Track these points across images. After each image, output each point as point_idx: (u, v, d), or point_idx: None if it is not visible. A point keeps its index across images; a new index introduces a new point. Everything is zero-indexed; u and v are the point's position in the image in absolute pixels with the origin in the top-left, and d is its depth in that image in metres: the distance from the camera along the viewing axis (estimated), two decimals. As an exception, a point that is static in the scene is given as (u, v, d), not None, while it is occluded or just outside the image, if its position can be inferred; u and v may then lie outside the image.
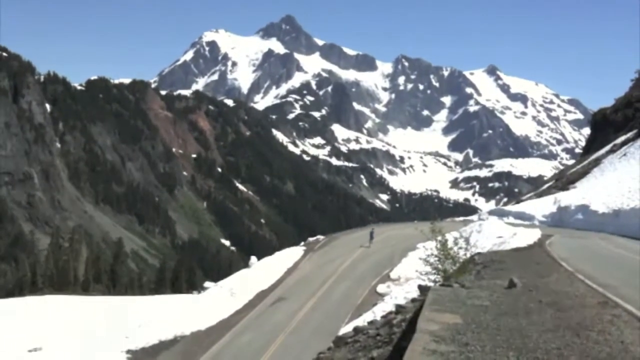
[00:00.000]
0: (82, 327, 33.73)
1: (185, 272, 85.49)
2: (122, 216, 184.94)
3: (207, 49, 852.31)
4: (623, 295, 11.26)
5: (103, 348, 28.70)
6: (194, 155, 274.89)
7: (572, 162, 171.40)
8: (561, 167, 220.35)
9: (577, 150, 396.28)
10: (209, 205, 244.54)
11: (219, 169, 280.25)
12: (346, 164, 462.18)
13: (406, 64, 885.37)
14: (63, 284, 72.86)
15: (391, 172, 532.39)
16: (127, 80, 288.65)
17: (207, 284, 44.76)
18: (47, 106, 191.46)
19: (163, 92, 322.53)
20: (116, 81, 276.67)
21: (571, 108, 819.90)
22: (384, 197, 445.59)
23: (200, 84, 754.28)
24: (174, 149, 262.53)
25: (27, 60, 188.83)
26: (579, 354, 6.61)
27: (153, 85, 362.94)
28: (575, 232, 39.02)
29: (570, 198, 55.64)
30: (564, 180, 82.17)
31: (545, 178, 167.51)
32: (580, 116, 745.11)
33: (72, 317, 37.19)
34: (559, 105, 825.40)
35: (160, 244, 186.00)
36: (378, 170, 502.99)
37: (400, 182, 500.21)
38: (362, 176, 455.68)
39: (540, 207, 59.63)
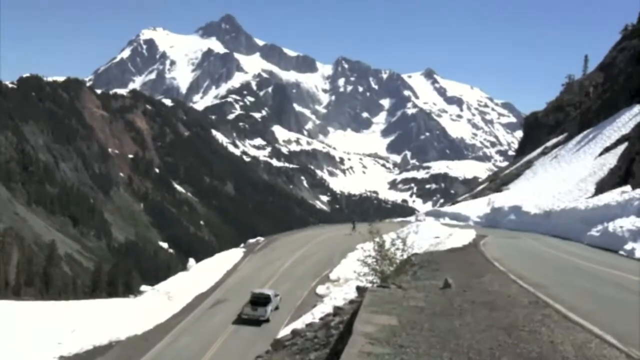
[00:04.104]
0: (12, 333, 32.50)
1: (122, 276, 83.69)
2: (56, 218, 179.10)
3: (144, 47, 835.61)
4: (553, 295, 11.61)
5: (34, 355, 27.70)
6: (130, 156, 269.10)
7: (505, 164, 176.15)
8: (495, 169, 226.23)
9: (510, 153, 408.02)
10: (146, 207, 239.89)
11: (157, 170, 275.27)
12: (287, 165, 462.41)
13: (346, 66, 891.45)
14: (-8, 288, 70.14)
15: (331, 174, 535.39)
16: (61, 78, 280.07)
17: (143, 287, 43.77)
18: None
19: (99, 91, 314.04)
20: (50, 79, 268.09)
21: (505, 111, 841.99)
22: (324, 198, 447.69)
23: (137, 83, 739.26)
24: (109, 149, 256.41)
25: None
26: (510, 353, 6.75)
27: (88, 84, 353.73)
28: (508, 233, 40.14)
29: (503, 199, 57.18)
30: (498, 182, 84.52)
31: (480, 180, 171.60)
32: (513, 119, 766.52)
33: (1, 323, 35.82)
34: (493, 109, 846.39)
35: (95, 246, 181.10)
36: (318, 172, 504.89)
37: (340, 184, 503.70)
38: (302, 177, 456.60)
39: (475, 208, 61.09)
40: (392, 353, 6.34)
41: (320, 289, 35.57)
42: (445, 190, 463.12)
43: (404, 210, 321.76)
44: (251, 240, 55.38)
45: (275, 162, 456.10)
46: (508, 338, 7.44)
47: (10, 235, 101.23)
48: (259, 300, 30.99)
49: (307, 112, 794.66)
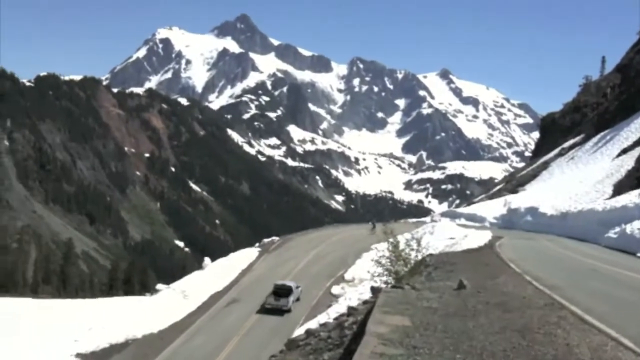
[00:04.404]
0: (30, 330, 32.81)
1: (138, 274, 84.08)
2: (73, 216, 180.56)
3: (160, 46, 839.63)
4: (569, 296, 11.53)
5: (52, 352, 27.93)
6: (146, 155, 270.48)
7: (522, 165, 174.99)
8: (511, 170, 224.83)
9: (527, 154, 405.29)
10: (162, 206, 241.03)
11: (173, 169, 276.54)
12: (302, 164, 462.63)
13: (361, 65, 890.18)
14: (11, 285, 70.79)
15: (346, 174, 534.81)
16: (77, 77, 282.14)
17: (159, 286, 43.96)
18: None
19: (115, 90, 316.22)
20: (66, 78, 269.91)
21: (521, 112, 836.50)
22: (339, 198, 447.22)
23: (153, 82, 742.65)
24: (126, 148, 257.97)
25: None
26: (524, 356, 6.72)
27: (105, 83, 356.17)
28: (524, 234, 39.86)
29: (519, 200, 56.80)
30: (514, 183, 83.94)
31: (496, 180, 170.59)
32: (529, 120, 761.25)
33: (19, 320, 36.17)
34: (509, 110, 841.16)
35: (111, 244, 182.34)
36: (333, 172, 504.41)
37: (355, 184, 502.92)
38: (317, 177, 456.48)
39: (491, 209, 60.72)
40: (404, 354, 6.34)
41: (335, 289, 35.63)
42: (461, 191, 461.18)
43: (419, 210, 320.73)
44: (266, 240, 55.46)
45: (290, 162, 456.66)
46: (522, 340, 7.40)
47: (28, 233, 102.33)
48: (281, 291, 32.99)
49: (322, 111, 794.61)
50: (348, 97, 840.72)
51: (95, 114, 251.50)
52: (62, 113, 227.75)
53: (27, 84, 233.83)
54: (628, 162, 47.63)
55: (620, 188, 41.21)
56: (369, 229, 56.74)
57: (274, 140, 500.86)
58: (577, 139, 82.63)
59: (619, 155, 55.37)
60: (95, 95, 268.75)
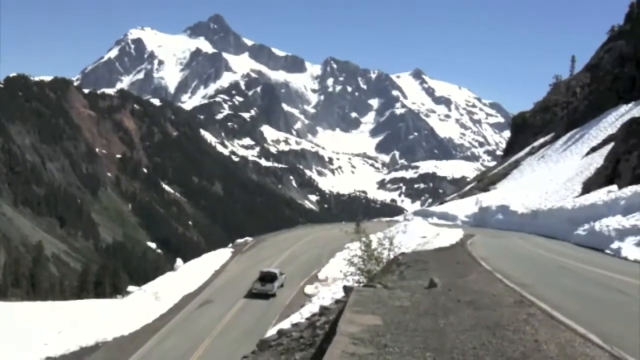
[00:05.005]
0: (-2, 334, 32.22)
1: (109, 276, 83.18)
2: (43, 219, 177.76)
3: (132, 46, 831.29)
4: (538, 294, 11.63)
5: (21, 356, 27.47)
6: (118, 156, 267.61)
7: (493, 164, 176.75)
8: (483, 169, 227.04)
9: (498, 153, 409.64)
10: (134, 207, 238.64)
11: (145, 170, 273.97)
12: (275, 165, 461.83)
13: (335, 66, 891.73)
14: (-22, 289, 69.58)
15: (320, 173, 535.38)
16: (48, 78, 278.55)
17: (130, 287, 43.53)
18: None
19: (86, 91, 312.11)
20: (37, 78, 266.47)
21: (492, 112, 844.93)
22: (313, 198, 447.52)
23: (125, 83, 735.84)
24: (97, 149, 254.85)
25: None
26: (494, 353, 6.72)
27: (76, 83, 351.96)
28: (495, 232, 40.24)
29: (491, 199, 57.36)
30: (486, 182, 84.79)
31: (468, 179, 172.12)
32: (501, 119, 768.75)
33: (-14, 325, 35.48)
34: (481, 109, 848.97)
35: (82, 247, 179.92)
36: (307, 172, 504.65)
37: (329, 183, 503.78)
38: (291, 177, 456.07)
39: (463, 207, 61.26)
40: (375, 353, 6.30)
41: (309, 289, 35.62)
42: (434, 190, 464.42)
43: (392, 210, 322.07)
44: (239, 240, 55.21)
45: (264, 162, 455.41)
46: (492, 337, 7.40)
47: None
48: (267, 277, 35.83)
49: (295, 112, 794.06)
50: (322, 97, 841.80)
51: (65, 115, 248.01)
52: (32, 114, 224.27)
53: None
54: (597, 160, 48.38)
55: (589, 186, 41.84)
56: (354, 228, 56.31)
57: (247, 141, 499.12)
58: (547, 137, 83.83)
59: (588, 153, 56.26)
60: (66, 96, 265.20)
